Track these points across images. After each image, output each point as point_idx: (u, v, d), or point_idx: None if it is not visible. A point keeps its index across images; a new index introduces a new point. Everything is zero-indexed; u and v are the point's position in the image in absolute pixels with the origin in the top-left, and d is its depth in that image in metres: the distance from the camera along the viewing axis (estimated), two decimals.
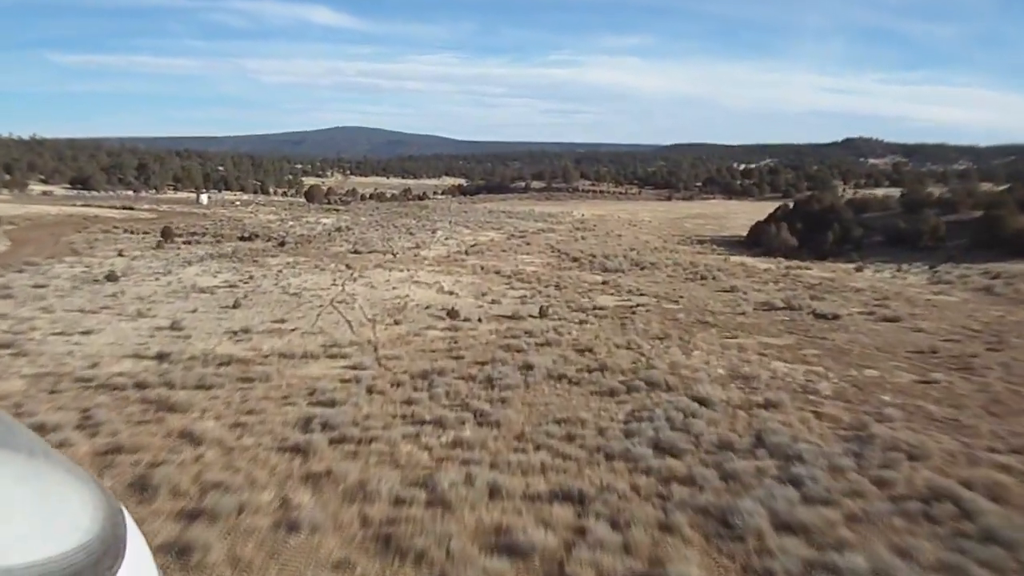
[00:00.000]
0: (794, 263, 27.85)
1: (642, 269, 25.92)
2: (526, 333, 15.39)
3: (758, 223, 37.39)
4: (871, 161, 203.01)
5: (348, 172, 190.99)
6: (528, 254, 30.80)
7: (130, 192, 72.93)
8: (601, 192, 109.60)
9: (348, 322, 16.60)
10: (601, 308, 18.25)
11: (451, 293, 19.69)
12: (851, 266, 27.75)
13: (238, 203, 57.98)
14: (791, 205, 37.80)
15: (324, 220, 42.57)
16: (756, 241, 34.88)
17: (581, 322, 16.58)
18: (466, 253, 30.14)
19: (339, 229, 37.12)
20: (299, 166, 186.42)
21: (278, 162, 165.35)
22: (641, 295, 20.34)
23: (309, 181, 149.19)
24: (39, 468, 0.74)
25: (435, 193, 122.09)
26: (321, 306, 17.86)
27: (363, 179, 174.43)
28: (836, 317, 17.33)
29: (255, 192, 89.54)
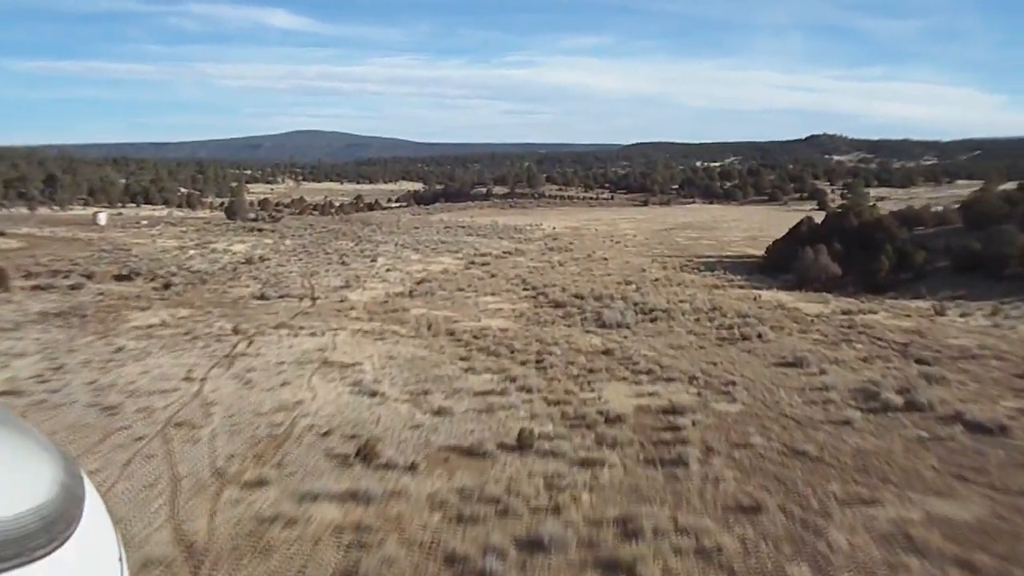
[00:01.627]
0: (850, 303, 20.77)
1: (652, 321, 18.81)
2: (497, 507, 8.28)
3: (779, 243, 30.44)
4: (836, 158, 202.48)
5: (300, 178, 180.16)
6: (493, 293, 23.46)
7: (24, 210, 62.63)
8: (570, 198, 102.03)
9: (176, 480, 9.20)
10: (616, 419, 11.20)
11: (374, 393, 12.35)
12: (922, 304, 21.01)
13: (144, 223, 48.79)
14: (819, 219, 31.07)
15: (237, 247, 34.09)
16: (780, 265, 27.98)
17: (589, 463, 9.56)
18: (410, 295, 22.69)
19: (250, 260, 28.99)
20: (248, 172, 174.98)
21: (221, 169, 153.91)
22: (669, 379, 13.34)
23: (257, 189, 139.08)
24: None
25: (389, 201, 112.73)
26: (142, 439, 10.36)
27: (316, 185, 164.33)
28: (1004, 430, 10.66)
29: (179, 205, 79.22)
